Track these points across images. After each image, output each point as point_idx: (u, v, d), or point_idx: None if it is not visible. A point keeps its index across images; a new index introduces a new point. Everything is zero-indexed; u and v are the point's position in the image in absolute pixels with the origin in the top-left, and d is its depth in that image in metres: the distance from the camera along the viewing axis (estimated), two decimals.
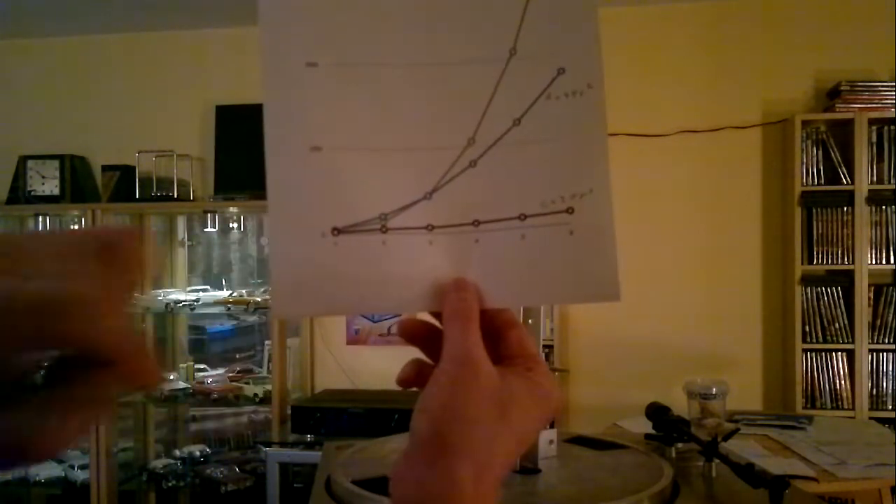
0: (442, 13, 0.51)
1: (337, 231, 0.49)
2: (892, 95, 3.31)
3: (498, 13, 0.51)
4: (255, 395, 3.50)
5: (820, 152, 3.34)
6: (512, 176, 0.51)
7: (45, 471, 3.56)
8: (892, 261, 3.30)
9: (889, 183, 3.28)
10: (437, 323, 0.50)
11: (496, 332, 0.50)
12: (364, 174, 0.50)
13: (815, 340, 3.34)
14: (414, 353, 0.52)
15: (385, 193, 0.50)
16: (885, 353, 3.30)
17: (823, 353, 3.34)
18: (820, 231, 3.32)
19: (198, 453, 3.60)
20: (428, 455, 0.44)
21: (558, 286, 0.51)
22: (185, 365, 3.68)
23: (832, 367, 3.34)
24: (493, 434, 0.45)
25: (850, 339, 3.31)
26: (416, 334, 0.52)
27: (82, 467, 3.53)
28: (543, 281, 0.51)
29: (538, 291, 0.52)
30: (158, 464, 3.60)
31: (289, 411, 3.32)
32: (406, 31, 0.51)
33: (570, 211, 0.51)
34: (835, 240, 3.32)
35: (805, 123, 3.34)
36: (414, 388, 0.50)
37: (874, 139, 3.29)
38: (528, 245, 0.51)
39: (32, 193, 3.71)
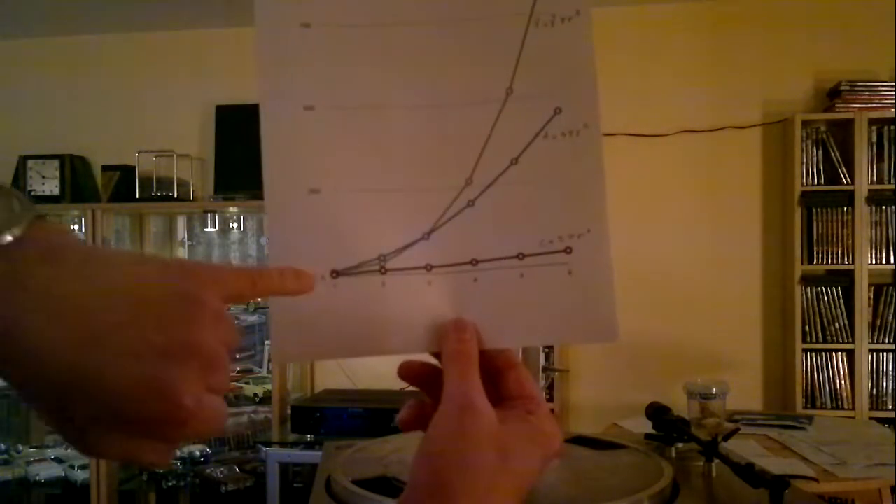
0: (438, 54, 0.50)
1: (336, 273, 0.49)
2: (892, 95, 3.31)
3: (495, 53, 0.51)
4: (255, 395, 3.50)
5: (820, 152, 3.34)
6: (510, 215, 0.50)
7: (45, 471, 3.56)
8: (892, 261, 3.30)
9: (889, 183, 3.28)
10: (437, 363, 0.50)
11: (496, 373, 0.50)
12: (363, 216, 0.50)
13: (815, 340, 3.34)
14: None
15: (384, 235, 0.50)
16: (885, 353, 3.30)
17: (823, 353, 3.34)
18: (820, 231, 3.32)
19: (198, 453, 3.60)
20: (427, 501, 0.44)
21: (557, 326, 0.51)
22: None
23: (832, 367, 3.34)
24: (493, 480, 0.44)
25: (850, 339, 3.31)
26: (417, 376, 0.51)
27: (82, 467, 3.53)
28: (542, 321, 0.51)
29: (537, 331, 0.52)
30: None
31: (289, 411, 3.31)
32: (403, 73, 0.51)
33: (568, 251, 0.50)
34: (835, 240, 3.32)
35: (805, 123, 3.34)
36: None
37: (874, 139, 3.29)
38: (527, 284, 0.50)
39: (32, 193, 3.71)
